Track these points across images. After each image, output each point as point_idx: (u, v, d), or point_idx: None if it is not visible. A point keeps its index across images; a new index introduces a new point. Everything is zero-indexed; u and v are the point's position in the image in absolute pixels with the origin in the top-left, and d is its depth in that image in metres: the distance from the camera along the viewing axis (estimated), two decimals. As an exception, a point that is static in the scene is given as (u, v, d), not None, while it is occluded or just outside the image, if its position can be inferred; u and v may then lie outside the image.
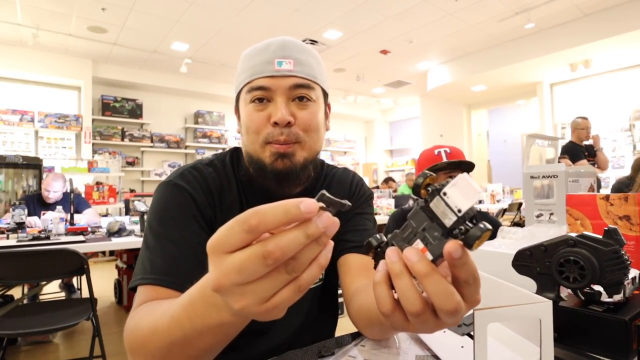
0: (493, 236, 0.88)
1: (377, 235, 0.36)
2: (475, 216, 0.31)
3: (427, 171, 0.34)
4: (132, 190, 6.34)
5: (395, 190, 6.16)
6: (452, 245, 0.30)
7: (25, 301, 2.65)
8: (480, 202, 5.24)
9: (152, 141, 6.96)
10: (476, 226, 0.30)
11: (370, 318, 0.55)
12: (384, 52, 6.12)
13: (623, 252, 0.48)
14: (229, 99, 7.54)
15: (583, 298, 0.52)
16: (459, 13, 4.86)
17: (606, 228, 0.49)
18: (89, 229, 2.56)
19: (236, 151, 0.81)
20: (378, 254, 0.36)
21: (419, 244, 0.33)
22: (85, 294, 2.24)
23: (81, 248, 1.90)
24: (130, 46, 5.64)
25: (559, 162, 1.16)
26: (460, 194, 0.30)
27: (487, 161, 8.61)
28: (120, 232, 2.40)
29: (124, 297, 3.36)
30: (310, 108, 0.70)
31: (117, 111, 6.65)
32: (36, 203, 3.14)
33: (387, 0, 4.49)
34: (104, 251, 4.69)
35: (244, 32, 5.26)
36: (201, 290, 0.38)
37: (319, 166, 0.82)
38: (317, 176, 0.83)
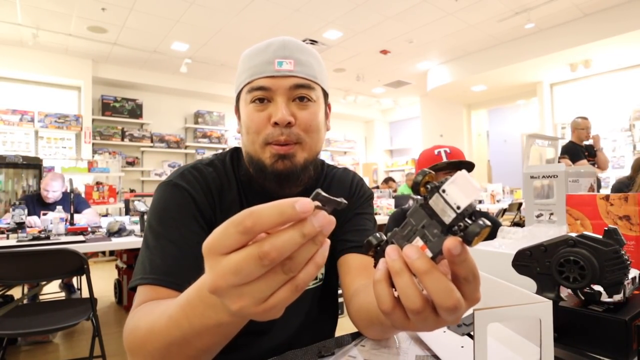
0: (493, 236, 0.88)
1: (377, 234, 0.36)
2: (475, 213, 0.31)
3: (426, 169, 0.34)
4: (132, 190, 6.34)
5: (395, 190, 6.16)
6: (451, 242, 0.30)
7: (25, 301, 2.65)
8: (480, 202, 5.24)
9: (152, 141, 6.96)
10: (475, 223, 0.30)
11: (371, 318, 0.55)
12: (384, 52, 6.12)
13: (623, 252, 0.48)
14: (229, 99, 7.54)
15: (583, 298, 0.52)
16: (459, 13, 4.86)
17: (606, 228, 0.49)
18: (89, 229, 2.57)
19: (236, 151, 0.81)
20: (378, 253, 0.36)
21: (418, 241, 0.33)
22: (85, 294, 2.24)
23: (81, 248, 1.90)
24: (130, 46, 5.64)
25: (559, 162, 1.16)
26: (459, 191, 0.30)
27: (487, 161, 8.61)
28: (120, 232, 2.40)
29: (124, 297, 3.36)
30: (311, 108, 0.70)
31: (117, 111, 6.65)
32: (36, 203, 3.14)
33: (387, 0, 4.49)
34: (104, 251, 4.69)
35: (244, 32, 5.26)
36: (198, 291, 0.38)
37: (319, 166, 0.82)
38: (317, 176, 0.83)
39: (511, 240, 0.84)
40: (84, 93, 6.13)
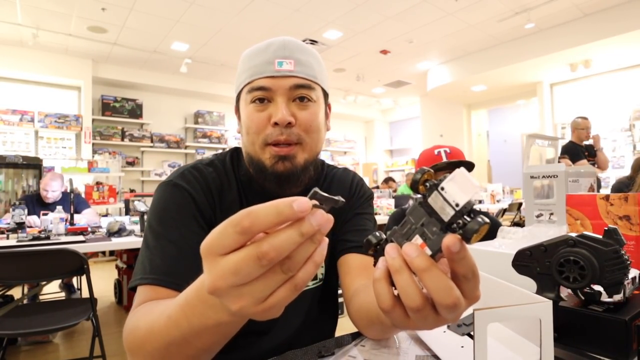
0: (493, 236, 0.88)
1: (377, 233, 0.37)
2: (473, 210, 0.31)
3: (425, 167, 0.34)
4: (132, 190, 6.34)
5: (395, 190, 6.16)
6: (450, 239, 0.30)
7: (25, 301, 2.65)
8: (480, 202, 5.24)
9: (152, 141, 6.96)
10: (474, 220, 0.30)
11: (371, 317, 0.55)
12: (384, 52, 6.12)
13: (623, 252, 0.48)
14: (229, 99, 7.54)
15: (583, 298, 0.52)
16: (459, 13, 4.86)
17: (606, 228, 0.49)
18: (89, 229, 2.57)
19: (236, 151, 0.81)
20: (377, 252, 0.36)
21: (417, 239, 0.33)
22: (85, 294, 2.24)
23: (81, 248, 1.91)
24: (130, 46, 5.64)
25: (559, 162, 1.16)
26: (457, 189, 0.30)
27: (487, 161, 8.61)
28: (120, 232, 2.40)
29: (124, 297, 3.36)
30: (311, 108, 0.70)
31: (117, 111, 6.65)
32: (35, 203, 3.14)
33: (387, 0, 4.49)
34: (104, 251, 4.69)
35: (244, 32, 5.26)
36: (197, 291, 0.38)
37: (319, 166, 0.82)
38: (318, 176, 0.83)
39: (511, 240, 0.84)
40: (84, 93, 6.13)
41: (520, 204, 4.75)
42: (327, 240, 0.31)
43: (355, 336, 0.66)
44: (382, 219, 3.50)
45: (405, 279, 0.32)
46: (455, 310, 0.31)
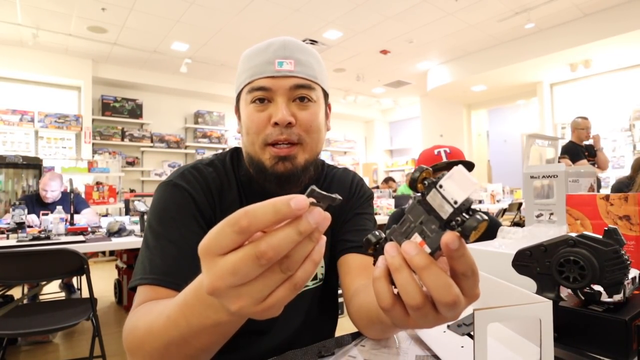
0: (493, 236, 0.88)
1: (376, 232, 0.37)
2: (472, 207, 0.31)
3: (423, 165, 0.34)
4: (132, 190, 6.34)
5: (395, 190, 6.16)
6: (449, 237, 0.30)
7: (25, 301, 2.65)
8: (480, 202, 5.24)
9: (152, 141, 6.96)
10: (472, 217, 0.30)
11: (371, 317, 0.55)
12: (384, 52, 6.12)
13: (623, 252, 0.48)
14: (229, 99, 7.54)
15: (583, 298, 0.52)
16: (459, 13, 4.86)
17: (606, 228, 0.49)
18: (89, 229, 2.57)
19: (236, 151, 0.81)
20: (377, 251, 0.36)
21: (417, 237, 0.33)
22: (85, 294, 2.24)
23: (81, 248, 1.91)
24: (130, 46, 5.64)
25: (559, 162, 1.16)
26: (456, 186, 0.30)
27: (487, 161, 8.61)
28: (120, 232, 2.40)
29: (124, 297, 3.36)
30: (311, 108, 0.70)
31: (117, 111, 6.65)
32: (35, 203, 3.14)
33: (387, 0, 4.49)
34: (104, 251, 4.69)
35: (244, 32, 5.26)
36: (196, 291, 0.37)
37: (319, 166, 0.82)
38: (318, 176, 0.83)
39: (511, 240, 0.84)
40: (84, 93, 6.13)
41: (520, 204, 4.75)
42: (324, 238, 0.31)
43: (355, 336, 0.66)
44: (382, 219, 3.50)
45: (404, 277, 0.32)
46: (454, 308, 0.31)
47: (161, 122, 7.20)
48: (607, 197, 0.76)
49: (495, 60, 6.06)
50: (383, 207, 3.91)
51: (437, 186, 0.31)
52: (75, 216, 2.94)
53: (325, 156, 8.87)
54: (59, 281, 3.51)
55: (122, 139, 6.66)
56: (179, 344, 0.42)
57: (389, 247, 0.33)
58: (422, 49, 6.05)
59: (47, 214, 2.58)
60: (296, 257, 0.29)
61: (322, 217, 0.29)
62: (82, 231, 2.48)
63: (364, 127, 10.42)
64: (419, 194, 0.33)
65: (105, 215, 4.32)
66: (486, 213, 2.23)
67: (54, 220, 2.39)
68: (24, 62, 5.59)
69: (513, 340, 0.56)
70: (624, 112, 5.83)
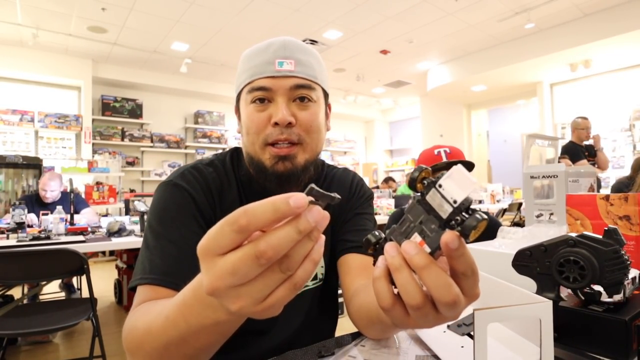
0: (493, 236, 0.88)
1: (376, 232, 0.37)
2: (471, 207, 0.31)
3: (422, 165, 0.34)
4: (132, 190, 6.34)
5: (395, 190, 6.16)
6: (448, 236, 0.30)
7: (25, 301, 2.65)
8: (480, 202, 5.24)
9: (152, 141, 6.96)
10: (472, 216, 0.30)
11: (371, 317, 0.55)
12: (384, 52, 6.12)
13: (623, 252, 0.48)
14: (229, 99, 7.54)
15: (583, 298, 0.52)
16: (459, 13, 4.86)
17: (606, 228, 0.49)
18: (89, 229, 2.57)
19: (236, 151, 0.81)
20: (377, 251, 0.36)
21: (416, 237, 0.33)
22: (85, 294, 2.24)
23: (81, 248, 1.91)
24: (130, 46, 5.64)
25: (559, 162, 1.16)
26: (455, 185, 0.30)
27: (487, 161, 8.61)
28: (120, 232, 2.40)
29: (124, 297, 3.36)
30: (311, 109, 0.70)
31: (117, 111, 6.65)
32: (34, 203, 3.14)
33: (387, 0, 4.49)
34: (104, 251, 4.69)
35: (244, 32, 5.26)
36: (194, 291, 0.37)
37: (319, 166, 0.82)
38: (318, 176, 0.83)
39: (511, 240, 0.84)
40: (84, 93, 6.13)
41: (520, 204, 4.75)
42: (323, 237, 0.30)
43: (355, 336, 0.66)
44: (382, 219, 3.50)
45: (405, 277, 0.32)
46: (455, 307, 0.31)
47: (161, 122, 7.20)
48: (607, 197, 0.76)
49: (495, 60, 6.06)
50: (383, 207, 3.91)
51: (437, 186, 0.31)
52: (75, 216, 2.94)
53: (325, 156, 8.87)
54: (59, 281, 3.51)
55: (122, 139, 6.66)
56: (178, 344, 0.42)
57: (389, 247, 0.33)
58: (422, 49, 6.05)
59: (47, 214, 2.58)
60: (296, 256, 0.29)
61: (321, 216, 0.29)
62: (82, 231, 2.48)
63: (364, 127, 10.42)
64: (419, 194, 0.33)
65: (105, 215, 4.32)
66: (486, 213, 2.23)
67: (54, 220, 2.40)
68: (24, 62, 5.59)
69: (513, 340, 0.56)
70: (624, 112, 5.83)
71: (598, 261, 0.48)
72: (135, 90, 6.94)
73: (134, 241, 2.29)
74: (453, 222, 0.31)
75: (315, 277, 0.80)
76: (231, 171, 0.77)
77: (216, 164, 0.77)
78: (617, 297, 0.50)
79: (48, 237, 2.23)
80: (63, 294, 3.45)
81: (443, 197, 0.31)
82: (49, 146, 5.97)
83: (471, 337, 0.59)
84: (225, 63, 6.36)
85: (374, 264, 0.35)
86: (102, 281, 3.98)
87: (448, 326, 0.62)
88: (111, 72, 6.37)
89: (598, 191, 1.15)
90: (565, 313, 0.50)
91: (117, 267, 3.69)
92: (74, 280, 3.47)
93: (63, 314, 1.80)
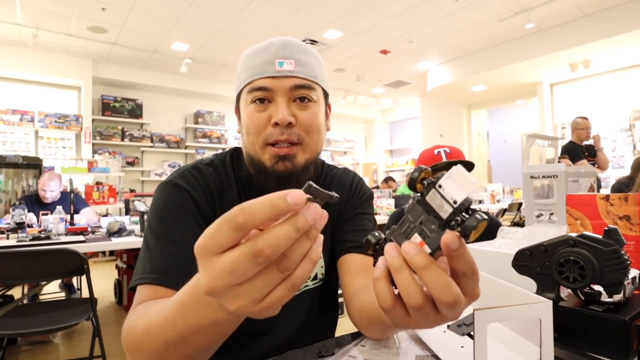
0: (493, 236, 0.88)
1: (375, 233, 0.37)
2: (471, 207, 0.31)
3: (422, 166, 0.34)
4: (132, 190, 6.34)
5: (395, 190, 6.16)
6: (449, 237, 0.30)
7: (25, 301, 2.65)
8: (480, 202, 5.24)
9: (152, 141, 6.96)
10: (472, 217, 0.30)
11: (371, 317, 0.55)
12: (384, 52, 6.12)
13: (623, 252, 0.48)
14: (229, 99, 7.54)
15: (583, 298, 0.52)
16: (459, 13, 4.86)
17: (606, 228, 0.49)
18: (89, 229, 2.57)
19: (236, 151, 0.81)
20: (377, 251, 0.36)
21: (416, 237, 0.33)
22: (85, 294, 2.24)
23: (81, 248, 1.91)
24: (130, 46, 5.64)
25: (559, 162, 1.16)
26: (455, 186, 0.30)
27: (487, 161, 8.61)
28: (120, 232, 2.40)
29: (124, 297, 3.36)
30: (311, 109, 0.70)
31: (117, 111, 6.65)
32: (34, 203, 3.14)
33: (387, 0, 4.49)
34: (104, 251, 4.69)
35: (244, 32, 5.26)
36: (192, 291, 0.37)
37: (319, 166, 0.82)
38: (318, 176, 0.83)
39: (511, 240, 0.84)
40: (84, 93, 6.13)
41: (520, 204, 4.75)
42: (322, 237, 0.30)
43: (355, 336, 0.66)
44: (382, 219, 3.50)
45: (405, 278, 0.32)
46: (455, 307, 0.31)
47: (161, 122, 7.20)
48: (607, 197, 0.76)
49: (495, 60, 6.06)
50: (383, 207, 3.91)
51: (437, 186, 0.31)
52: (75, 216, 2.94)
53: (325, 156, 8.87)
54: (59, 281, 3.51)
55: (122, 139, 6.66)
56: (177, 344, 0.42)
57: (389, 247, 0.33)
58: (422, 49, 6.05)
59: (46, 214, 2.58)
60: (294, 255, 0.28)
61: (319, 214, 0.28)
62: (82, 231, 2.48)
63: (364, 127, 10.42)
64: (418, 194, 0.33)
65: (105, 215, 4.32)
66: (486, 213, 2.23)
67: (54, 220, 2.39)
68: (24, 62, 5.59)
69: (513, 340, 0.56)
70: (624, 112, 5.83)
71: (598, 261, 0.48)
72: (135, 90, 6.94)
73: (134, 241, 2.29)
74: (453, 222, 0.31)
75: (315, 277, 0.80)
76: (231, 171, 0.77)
77: (216, 164, 0.77)
78: (617, 297, 0.50)
79: (48, 237, 2.23)
80: (63, 294, 3.45)
81: (443, 197, 0.31)
82: (49, 146, 5.97)
83: (471, 337, 0.59)
84: (225, 63, 6.36)
85: (374, 265, 0.35)
86: (102, 281, 3.98)
87: (448, 326, 0.62)
88: (111, 72, 6.37)
89: (598, 191, 1.15)
90: (565, 313, 0.50)
91: (117, 267, 3.69)
92: (74, 280, 3.47)
93: (63, 314, 1.80)
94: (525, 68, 5.97)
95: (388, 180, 7.28)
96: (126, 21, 4.85)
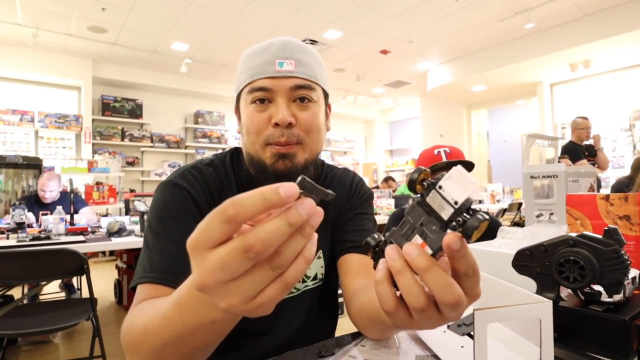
0: (493, 236, 0.88)
1: (375, 235, 0.36)
2: (472, 207, 0.31)
3: (421, 167, 0.34)
4: (132, 190, 6.34)
5: (395, 190, 6.16)
6: (450, 237, 0.30)
7: (25, 301, 2.65)
8: (480, 202, 5.24)
9: (152, 141, 6.96)
10: (473, 217, 0.30)
11: (371, 317, 0.55)
12: (384, 52, 6.12)
13: (623, 252, 0.48)
14: (229, 99, 7.54)
15: (583, 298, 0.52)
16: (459, 13, 4.86)
17: (606, 228, 0.49)
18: (89, 229, 2.57)
19: (236, 151, 0.81)
20: (377, 254, 0.36)
21: (417, 239, 0.33)
22: (85, 294, 2.24)
23: (81, 248, 1.90)
24: (130, 46, 5.64)
25: (559, 162, 1.16)
26: (455, 186, 0.30)
27: (487, 161, 8.61)
28: (120, 232, 2.40)
29: (124, 297, 3.36)
30: (311, 109, 0.70)
31: (117, 111, 6.65)
32: (34, 203, 3.14)
33: (387, 0, 4.49)
34: (104, 251, 4.69)
35: (244, 32, 5.26)
36: (188, 290, 0.37)
37: (319, 166, 0.82)
38: (318, 176, 0.83)
39: (511, 240, 0.84)
40: (84, 93, 6.12)
41: (520, 204, 4.75)
42: (316, 235, 0.30)
43: (355, 336, 0.66)
44: (382, 219, 3.50)
45: (407, 280, 0.32)
46: (457, 308, 0.31)
47: (161, 122, 7.20)
48: (607, 197, 0.76)
49: (495, 60, 6.06)
50: (383, 207, 3.91)
51: (437, 187, 0.31)
52: (75, 216, 2.94)
53: (325, 156, 8.87)
54: (59, 281, 3.50)
55: (122, 139, 6.66)
56: (175, 343, 0.42)
57: (390, 249, 0.33)
58: (422, 49, 6.05)
59: (46, 214, 2.58)
60: (286, 253, 0.27)
61: (313, 209, 0.28)
62: (82, 231, 2.48)
63: (364, 127, 10.42)
64: (418, 196, 0.33)
65: (105, 215, 4.32)
66: (486, 213, 2.23)
67: (54, 220, 2.39)
68: (24, 62, 5.58)
69: (513, 340, 0.56)
70: (624, 112, 5.83)
71: (598, 261, 0.48)
72: (135, 90, 6.94)
73: (134, 241, 2.29)
74: (454, 223, 0.31)
75: (315, 277, 0.80)
76: (231, 171, 0.77)
77: (216, 164, 0.77)
78: (617, 297, 0.50)
79: (48, 237, 2.23)
80: (63, 294, 3.45)
81: (444, 198, 0.31)
82: (49, 146, 5.97)
83: (471, 337, 0.59)
84: (225, 63, 6.36)
85: (375, 267, 0.35)
86: (102, 281, 3.98)
87: (448, 326, 0.62)
88: (111, 72, 6.37)
89: (598, 191, 1.14)
90: (565, 313, 0.50)
91: (117, 267, 3.69)
92: (74, 280, 3.47)
93: (63, 314, 1.80)
94: (525, 68, 5.97)
95: (388, 180, 7.27)
96: (126, 21, 4.85)
